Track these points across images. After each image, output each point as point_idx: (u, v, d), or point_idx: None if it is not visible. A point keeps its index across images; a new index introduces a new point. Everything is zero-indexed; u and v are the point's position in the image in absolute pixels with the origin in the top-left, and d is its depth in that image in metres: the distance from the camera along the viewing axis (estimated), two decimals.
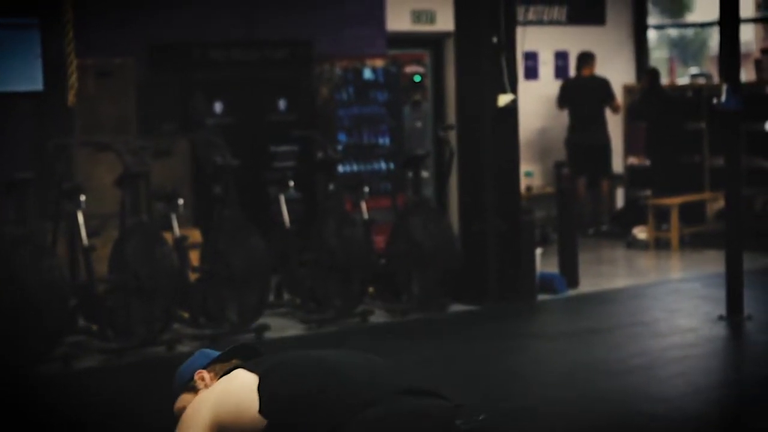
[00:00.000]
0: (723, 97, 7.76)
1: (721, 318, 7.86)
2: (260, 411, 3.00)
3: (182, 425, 3.08)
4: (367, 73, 10.53)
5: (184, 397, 3.21)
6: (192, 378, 3.23)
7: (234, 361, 3.23)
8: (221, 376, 3.15)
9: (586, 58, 12.13)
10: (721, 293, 8.07)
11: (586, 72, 12.13)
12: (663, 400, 6.10)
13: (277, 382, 3.03)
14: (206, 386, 3.19)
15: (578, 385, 6.39)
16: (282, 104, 10.15)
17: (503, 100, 8.53)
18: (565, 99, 12.13)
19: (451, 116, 10.21)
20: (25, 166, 7.66)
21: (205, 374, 3.22)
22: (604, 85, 12.13)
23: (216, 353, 3.31)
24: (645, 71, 12.45)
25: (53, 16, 8.34)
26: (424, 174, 9.32)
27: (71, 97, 6.85)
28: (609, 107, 12.14)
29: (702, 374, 6.81)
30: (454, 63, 8.95)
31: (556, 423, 5.86)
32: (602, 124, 12.13)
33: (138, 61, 9.48)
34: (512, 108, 8.61)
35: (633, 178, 12.50)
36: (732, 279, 7.92)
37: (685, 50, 16.53)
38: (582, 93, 12.07)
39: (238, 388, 3.05)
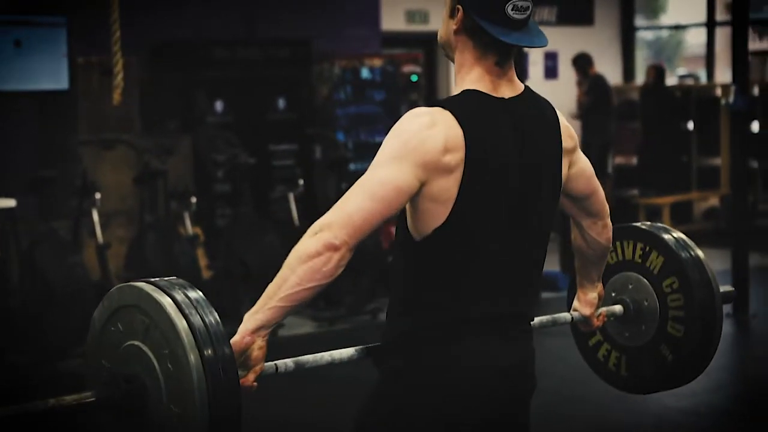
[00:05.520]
0: (731, 98, 7.88)
1: (727, 316, 7.98)
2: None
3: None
4: (365, 73, 10.58)
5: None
6: None
7: None
8: None
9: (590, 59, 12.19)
10: None
11: (593, 71, 12.20)
12: (689, 395, 6.18)
13: None
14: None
15: (596, 382, 6.44)
16: (282, 103, 10.18)
17: None
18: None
19: None
20: (46, 164, 7.66)
21: None
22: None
23: None
24: (650, 66, 12.50)
25: (80, 15, 8.36)
26: None
27: (117, 96, 6.83)
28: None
29: (721, 371, 6.91)
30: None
31: (573, 421, 5.94)
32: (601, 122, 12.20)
33: (140, 59, 9.47)
34: None
35: (620, 177, 12.64)
36: (738, 277, 8.04)
37: (660, 51, 16.72)
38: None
39: None
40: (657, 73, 12.19)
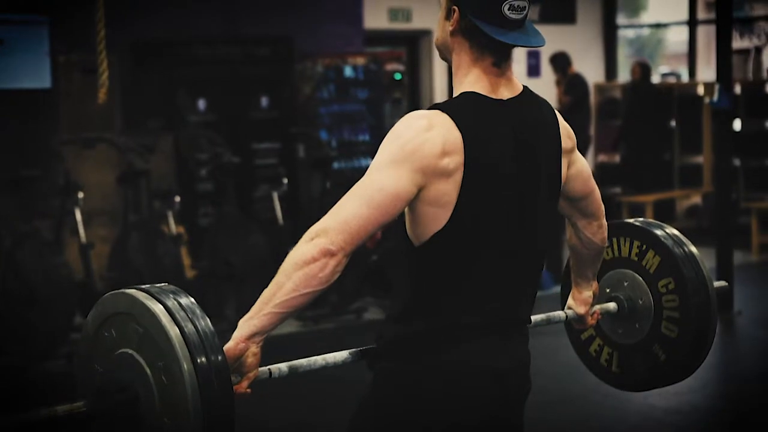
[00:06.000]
0: (715, 96, 7.89)
1: None
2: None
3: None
4: (348, 71, 10.55)
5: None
6: None
7: None
8: None
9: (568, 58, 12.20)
10: None
11: (571, 70, 12.20)
12: (673, 393, 6.18)
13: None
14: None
15: (582, 380, 6.45)
16: (264, 101, 10.14)
17: None
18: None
19: None
20: (27, 163, 7.61)
21: None
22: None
23: None
24: (636, 63, 12.49)
25: (62, 14, 8.31)
26: None
27: (102, 95, 6.79)
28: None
29: (705, 368, 6.88)
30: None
31: (556, 419, 5.93)
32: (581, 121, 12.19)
33: (121, 57, 9.43)
34: None
35: (603, 175, 12.64)
36: (723, 275, 8.05)
37: (640, 50, 16.76)
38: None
39: None
40: (643, 70, 12.20)
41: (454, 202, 2.50)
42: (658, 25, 15.51)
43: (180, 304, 2.32)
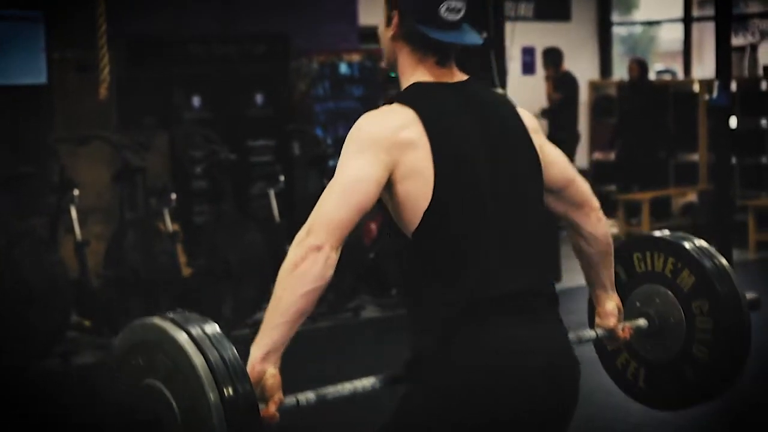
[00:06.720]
0: (715, 93, 7.87)
1: None
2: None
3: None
4: (343, 68, 10.52)
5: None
6: None
7: None
8: None
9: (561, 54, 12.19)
10: None
11: (562, 68, 12.20)
12: None
13: None
14: None
15: (585, 379, 6.41)
16: (259, 99, 10.10)
17: None
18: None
19: None
20: (22, 160, 7.56)
21: None
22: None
23: None
24: (634, 60, 12.46)
25: (57, 10, 8.26)
26: None
27: (103, 91, 6.74)
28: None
29: None
30: None
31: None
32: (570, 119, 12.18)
33: (117, 55, 9.37)
34: None
35: (598, 172, 12.62)
36: None
37: (633, 47, 16.75)
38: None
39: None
40: (640, 67, 12.17)
41: (432, 173, 2.53)
42: (653, 23, 15.48)
43: (205, 332, 2.34)
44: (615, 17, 14.15)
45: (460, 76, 2.69)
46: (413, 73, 2.68)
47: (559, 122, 11.91)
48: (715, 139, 8.33)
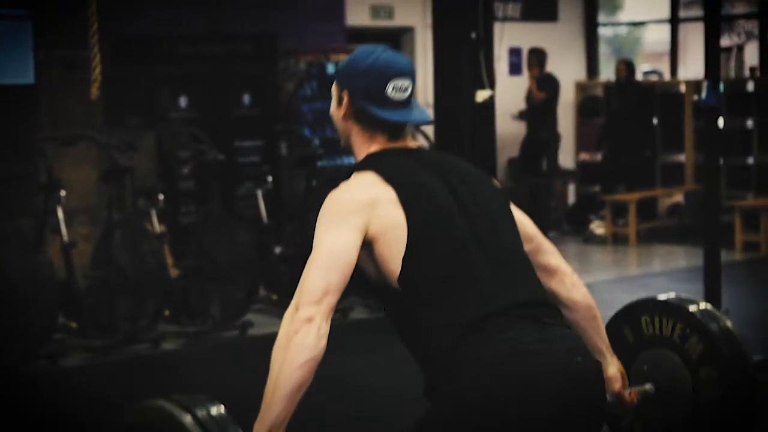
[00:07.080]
0: (703, 94, 7.84)
1: None
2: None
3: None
4: (331, 68, 10.49)
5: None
6: None
7: None
8: None
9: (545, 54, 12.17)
10: (689, 287, 8.15)
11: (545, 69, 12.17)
12: None
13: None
14: None
15: None
16: (247, 99, 10.07)
17: (481, 95, 8.54)
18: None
19: None
20: (8, 160, 7.52)
21: None
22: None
23: None
24: (621, 61, 12.45)
25: (44, 9, 8.21)
26: None
27: (94, 90, 6.70)
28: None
29: None
30: (433, 59, 8.94)
31: None
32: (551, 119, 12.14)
33: (104, 54, 9.32)
34: (490, 104, 8.63)
35: (584, 173, 12.62)
36: (710, 273, 8.00)
37: (619, 48, 16.75)
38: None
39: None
40: (628, 68, 12.18)
41: (404, 216, 2.62)
42: (639, 23, 15.49)
43: (211, 415, 2.39)
44: (601, 18, 14.15)
45: (414, 146, 2.79)
46: (367, 149, 2.75)
47: (540, 123, 11.92)
48: (703, 140, 8.30)
